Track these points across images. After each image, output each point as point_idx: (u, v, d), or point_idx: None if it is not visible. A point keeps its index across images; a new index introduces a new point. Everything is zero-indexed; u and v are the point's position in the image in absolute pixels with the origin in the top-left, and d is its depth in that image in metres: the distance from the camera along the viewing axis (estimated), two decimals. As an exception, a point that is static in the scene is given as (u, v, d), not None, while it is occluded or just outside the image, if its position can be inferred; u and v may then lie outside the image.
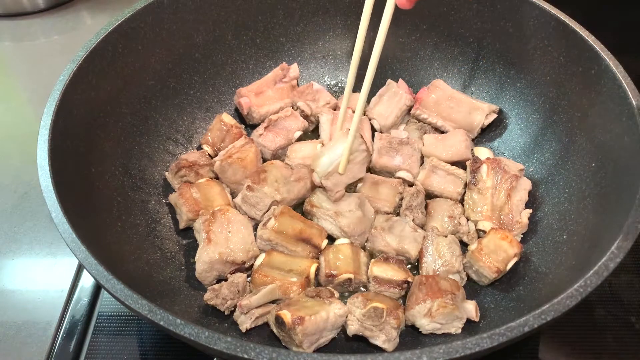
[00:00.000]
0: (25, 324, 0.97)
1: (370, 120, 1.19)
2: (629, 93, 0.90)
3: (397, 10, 1.25)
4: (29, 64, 1.47)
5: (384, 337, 0.85)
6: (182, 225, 1.03)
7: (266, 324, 0.89)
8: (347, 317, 0.87)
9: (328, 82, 1.31)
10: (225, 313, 0.90)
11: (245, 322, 0.87)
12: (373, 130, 1.19)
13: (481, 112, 1.15)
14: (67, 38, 1.52)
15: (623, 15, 1.53)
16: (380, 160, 1.10)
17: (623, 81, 0.91)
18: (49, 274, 1.04)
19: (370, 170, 1.12)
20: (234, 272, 0.95)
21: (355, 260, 0.95)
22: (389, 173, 1.10)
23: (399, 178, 1.09)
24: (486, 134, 1.18)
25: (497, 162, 1.05)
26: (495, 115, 1.16)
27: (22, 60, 1.49)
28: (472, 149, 1.14)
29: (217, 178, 1.10)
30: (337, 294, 0.92)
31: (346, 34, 1.29)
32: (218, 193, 1.05)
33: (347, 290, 0.95)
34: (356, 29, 1.29)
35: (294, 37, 1.28)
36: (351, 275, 0.93)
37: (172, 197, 1.04)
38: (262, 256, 0.96)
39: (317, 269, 0.95)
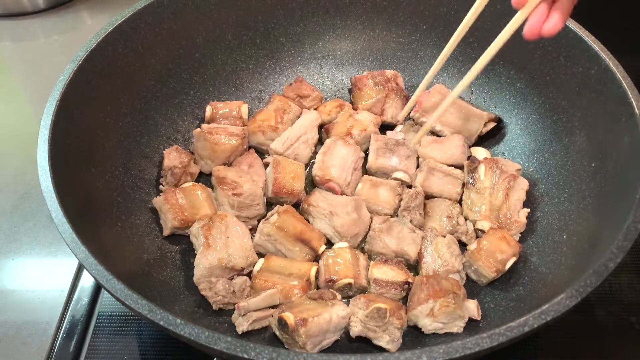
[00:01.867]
0: (25, 324, 0.97)
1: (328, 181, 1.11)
2: (629, 93, 0.90)
3: (396, 10, 1.26)
4: (29, 64, 1.47)
5: (388, 338, 0.85)
6: (166, 233, 1.01)
7: (265, 327, 0.89)
8: (349, 318, 0.87)
9: (328, 82, 1.31)
10: (214, 308, 0.90)
11: (242, 325, 0.87)
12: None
13: (480, 120, 1.14)
14: (67, 38, 1.52)
15: (623, 15, 1.53)
16: (377, 162, 1.10)
17: (623, 81, 0.91)
18: (49, 274, 1.04)
19: (366, 172, 1.12)
20: (231, 279, 0.94)
21: (355, 264, 0.95)
22: (386, 174, 1.10)
23: (396, 179, 1.09)
24: (486, 133, 1.18)
25: (495, 161, 1.06)
26: (494, 124, 1.16)
27: (22, 60, 1.49)
28: (467, 156, 1.13)
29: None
30: (339, 296, 0.92)
31: (346, 34, 1.29)
32: (205, 199, 1.03)
33: (347, 294, 0.95)
34: (356, 29, 1.29)
35: (294, 37, 1.28)
36: (351, 280, 0.93)
37: (157, 201, 1.01)
38: (261, 261, 0.96)
39: (317, 272, 0.95)
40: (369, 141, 1.14)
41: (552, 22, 0.77)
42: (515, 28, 0.87)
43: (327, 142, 1.12)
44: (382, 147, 1.11)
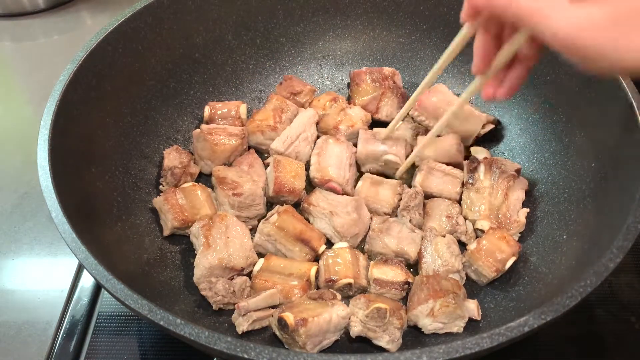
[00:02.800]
0: (25, 324, 0.97)
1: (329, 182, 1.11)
2: (629, 93, 0.90)
3: (396, 10, 1.26)
4: (29, 64, 1.47)
5: (388, 338, 0.85)
6: (166, 233, 1.01)
7: (265, 327, 0.89)
8: (349, 318, 0.87)
9: (328, 82, 1.31)
10: (214, 308, 0.90)
11: (242, 325, 0.87)
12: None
13: (478, 121, 1.14)
14: (67, 38, 1.52)
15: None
16: (367, 147, 1.10)
17: (623, 81, 0.91)
18: (49, 274, 1.04)
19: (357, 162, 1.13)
20: (231, 279, 0.94)
21: (355, 264, 0.95)
22: (376, 159, 1.10)
23: (386, 162, 1.09)
24: (486, 133, 1.18)
25: (495, 161, 1.06)
26: (492, 126, 1.15)
27: (22, 60, 1.49)
28: (463, 155, 1.13)
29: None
30: (339, 296, 0.92)
31: (346, 34, 1.29)
32: (205, 199, 1.03)
33: (347, 294, 0.95)
34: (356, 29, 1.30)
35: (294, 37, 1.28)
36: (351, 280, 0.92)
37: (158, 202, 1.02)
38: (261, 261, 0.96)
39: (317, 272, 0.95)
40: (356, 137, 1.15)
41: (503, 92, 0.81)
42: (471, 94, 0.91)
43: (319, 142, 1.12)
44: (370, 137, 1.12)
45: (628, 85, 0.91)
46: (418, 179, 1.08)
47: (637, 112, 0.87)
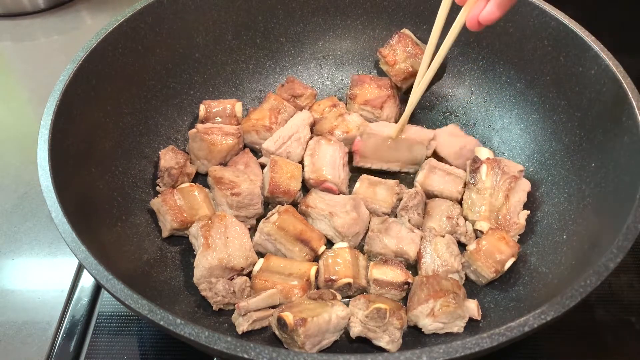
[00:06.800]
0: (25, 324, 0.97)
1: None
2: (629, 93, 0.90)
3: (396, 10, 1.26)
4: (29, 64, 1.47)
5: (388, 338, 0.85)
6: (165, 234, 1.01)
7: (265, 327, 0.89)
8: (349, 319, 0.87)
9: (328, 82, 1.31)
10: (214, 308, 0.90)
11: (242, 325, 0.87)
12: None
13: (421, 147, 1.11)
14: (67, 38, 1.52)
15: (623, 15, 1.53)
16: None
17: (623, 81, 0.91)
18: (49, 274, 1.04)
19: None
20: (231, 279, 0.94)
21: (355, 264, 0.95)
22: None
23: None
24: (486, 133, 1.18)
25: (497, 162, 1.06)
26: (436, 143, 1.13)
27: (22, 60, 1.49)
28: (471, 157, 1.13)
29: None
30: (339, 296, 0.92)
31: (346, 34, 1.29)
32: (203, 200, 1.03)
33: (346, 294, 0.95)
34: (356, 29, 1.30)
35: (294, 37, 1.28)
36: (350, 280, 0.93)
37: (155, 203, 1.01)
38: (261, 261, 0.96)
39: (317, 272, 0.95)
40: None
41: (488, 11, 0.83)
42: (460, 25, 0.93)
43: (311, 144, 1.12)
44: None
45: (628, 86, 0.91)
46: (419, 177, 1.08)
47: (637, 112, 0.87)
